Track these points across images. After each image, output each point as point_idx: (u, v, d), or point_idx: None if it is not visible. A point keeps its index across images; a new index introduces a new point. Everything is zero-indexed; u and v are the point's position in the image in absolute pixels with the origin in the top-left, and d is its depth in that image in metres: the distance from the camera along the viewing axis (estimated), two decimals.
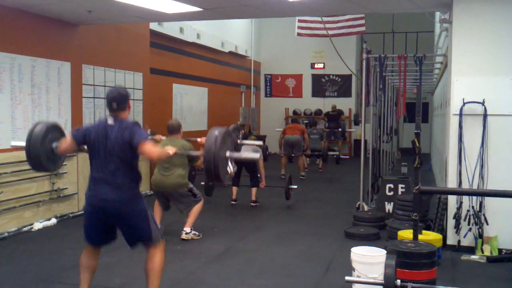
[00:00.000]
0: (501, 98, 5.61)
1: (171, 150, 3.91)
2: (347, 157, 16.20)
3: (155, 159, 4.00)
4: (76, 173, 7.55)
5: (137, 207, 3.82)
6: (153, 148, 3.77)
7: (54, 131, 4.20)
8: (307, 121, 14.68)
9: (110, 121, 3.82)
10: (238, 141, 6.06)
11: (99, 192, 3.78)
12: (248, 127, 8.58)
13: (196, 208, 6.25)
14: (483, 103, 5.62)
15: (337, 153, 14.50)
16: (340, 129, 15.83)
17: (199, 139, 6.03)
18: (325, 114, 16.41)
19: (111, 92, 3.89)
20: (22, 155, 6.53)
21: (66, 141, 4.01)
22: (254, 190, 8.35)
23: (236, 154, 4.06)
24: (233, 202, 8.36)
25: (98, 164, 3.82)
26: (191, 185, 6.28)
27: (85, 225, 3.93)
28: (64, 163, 7.23)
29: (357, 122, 15.03)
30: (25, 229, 6.60)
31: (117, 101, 3.84)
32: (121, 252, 5.34)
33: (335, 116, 16.02)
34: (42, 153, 4.07)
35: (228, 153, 3.86)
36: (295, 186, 8.65)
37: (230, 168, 3.95)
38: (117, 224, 3.89)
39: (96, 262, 3.99)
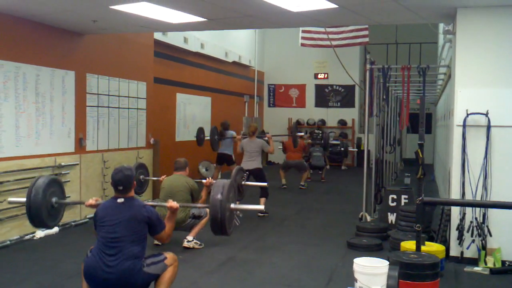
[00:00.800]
0: (504, 110, 5.61)
1: (174, 205, 4.13)
2: (344, 168, 16.30)
3: (166, 237, 4.15)
4: (79, 182, 7.56)
5: (138, 277, 3.85)
6: (166, 235, 4.06)
7: (55, 185, 4.28)
8: (310, 135, 14.59)
9: (120, 200, 3.96)
10: (243, 183, 6.14)
11: (100, 263, 3.80)
12: (253, 128, 8.58)
13: (204, 221, 6.28)
14: (486, 115, 5.61)
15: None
16: (343, 149, 15.67)
17: (204, 181, 5.94)
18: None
19: (117, 174, 3.97)
20: (25, 163, 6.61)
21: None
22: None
23: (241, 206, 4.17)
24: None
25: (104, 238, 3.87)
26: (192, 211, 6.31)
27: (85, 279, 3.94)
28: (67, 171, 7.27)
29: (359, 146, 15.04)
30: (27, 237, 6.60)
31: (123, 184, 3.96)
32: None
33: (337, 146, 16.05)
34: (43, 208, 4.13)
35: (233, 205, 3.95)
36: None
37: (237, 221, 4.04)
38: None
39: None
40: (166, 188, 6.33)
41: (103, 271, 3.77)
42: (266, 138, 9.11)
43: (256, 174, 8.34)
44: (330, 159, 15.40)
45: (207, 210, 6.23)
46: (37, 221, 4.25)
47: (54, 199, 4.29)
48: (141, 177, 6.97)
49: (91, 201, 4.19)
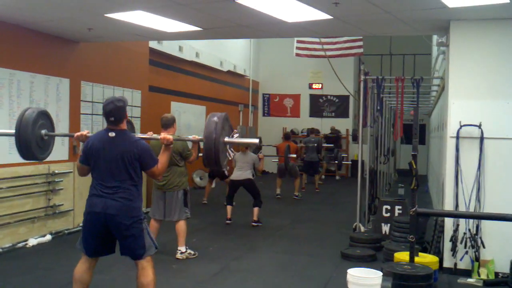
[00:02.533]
0: (497, 121, 5.63)
1: (168, 137, 4.01)
2: (338, 178, 16.34)
3: (159, 175, 4.06)
4: (72, 190, 7.52)
5: (135, 220, 3.84)
6: (159, 170, 3.95)
7: (44, 118, 4.22)
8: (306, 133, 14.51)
9: (111, 133, 3.87)
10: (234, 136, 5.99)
11: (99, 201, 3.81)
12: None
13: (182, 225, 6.17)
14: (479, 126, 5.64)
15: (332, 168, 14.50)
16: (336, 161, 15.65)
17: (191, 137, 5.88)
18: (324, 136, 16.42)
19: (108, 104, 3.87)
20: (18, 170, 6.57)
21: (79, 169, 4.05)
22: (256, 210, 8.29)
23: (234, 140, 4.05)
24: (228, 222, 8.32)
25: (99, 175, 3.86)
26: (188, 188, 6.24)
27: (83, 233, 3.95)
28: (61, 179, 7.24)
29: (355, 138, 15.03)
30: (20, 245, 6.56)
31: (115, 115, 3.87)
32: (115, 270, 5.31)
33: (333, 138, 16.11)
34: (32, 139, 4.07)
35: (226, 139, 3.88)
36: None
37: (230, 153, 3.98)
38: (113, 233, 3.88)
39: (89, 277, 3.97)
40: (157, 150, 6.15)
41: (103, 204, 3.77)
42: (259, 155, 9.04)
43: (247, 185, 8.34)
44: (326, 160, 15.38)
45: (186, 213, 6.22)
46: (27, 154, 4.20)
47: (43, 131, 4.22)
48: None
49: (83, 132, 4.13)
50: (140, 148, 3.87)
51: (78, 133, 4.13)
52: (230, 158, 4.05)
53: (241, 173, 8.30)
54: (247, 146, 8.49)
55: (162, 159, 4.01)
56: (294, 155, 11.32)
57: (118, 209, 3.78)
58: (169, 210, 6.18)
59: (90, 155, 3.91)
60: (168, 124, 6.21)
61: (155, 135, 4.34)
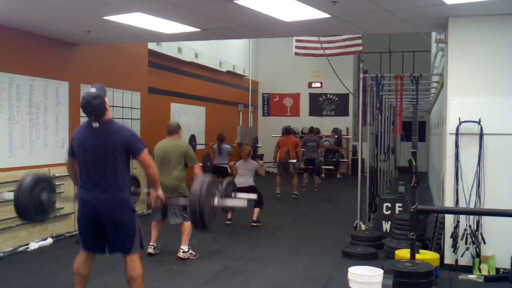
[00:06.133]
0: (497, 118, 5.64)
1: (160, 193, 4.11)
2: (338, 176, 16.36)
3: (151, 171, 3.99)
4: (72, 193, 7.51)
5: (125, 212, 3.83)
6: (151, 160, 3.93)
7: (43, 182, 4.24)
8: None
9: (95, 124, 3.82)
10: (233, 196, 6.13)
11: (88, 194, 3.81)
12: (248, 150, 8.55)
13: (187, 226, 6.20)
14: (479, 122, 5.64)
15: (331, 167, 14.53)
16: (334, 159, 15.67)
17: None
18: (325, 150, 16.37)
19: (86, 105, 3.80)
20: (19, 174, 6.56)
21: (67, 162, 4.06)
22: (256, 210, 8.31)
23: (224, 202, 4.06)
24: (228, 222, 8.33)
25: (85, 166, 3.85)
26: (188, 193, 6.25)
27: (79, 227, 3.97)
28: (61, 182, 7.24)
29: (355, 154, 15.05)
30: (21, 249, 6.56)
31: (94, 112, 3.81)
32: (118, 272, 5.32)
33: (333, 151, 16.12)
34: (30, 205, 4.10)
35: (216, 201, 3.90)
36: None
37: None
38: (104, 225, 3.87)
39: (88, 269, 3.99)
40: (159, 153, 6.21)
41: (93, 198, 3.77)
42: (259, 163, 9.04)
43: (250, 192, 8.35)
44: (324, 159, 15.41)
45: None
46: (26, 219, 4.27)
47: (43, 197, 4.20)
48: None
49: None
50: (126, 135, 3.83)
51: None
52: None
53: (243, 180, 8.32)
54: (248, 154, 8.53)
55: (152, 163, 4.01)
56: (294, 161, 11.34)
57: (107, 201, 3.77)
58: (171, 214, 6.24)
59: (75, 147, 3.91)
60: (174, 130, 6.33)
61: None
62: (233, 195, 5.94)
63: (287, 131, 12.14)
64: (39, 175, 4.29)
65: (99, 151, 3.80)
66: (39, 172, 4.53)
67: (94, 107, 3.80)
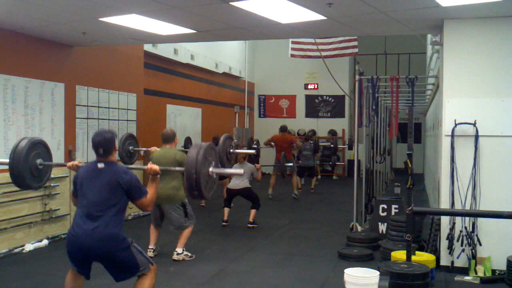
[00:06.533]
0: (492, 119, 5.66)
1: (154, 168, 3.97)
2: (335, 178, 16.38)
3: (150, 208, 4.04)
4: (68, 194, 7.50)
5: (120, 246, 3.78)
6: (148, 201, 3.91)
7: (39, 147, 4.22)
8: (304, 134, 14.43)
9: (100, 164, 3.88)
10: (231, 150, 6.01)
11: (82, 232, 3.73)
12: (244, 154, 8.56)
13: (187, 231, 6.24)
14: (474, 124, 5.66)
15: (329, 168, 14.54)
16: (334, 156, 15.73)
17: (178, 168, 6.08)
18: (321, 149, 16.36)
19: (96, 137, 3.90)
20: None
21: (73, 201, 4.06)
22: (253, 212, 8.30)
23: (219, 170, 4.01)
24: (224, 224, 8.33)
25: (84, 203, 3.82)
26: (186, 200, 6.25)
27: (69, 256, 3.88)
28: (57, 184, 7.23)
29: (351, 147, 15.04)
30: (16, 250, 6.54)
31: (104, 146, 3.88)
32: None
33: (331, 149, 16.11)
34: (25, 169, 4.08)
35: (211, 169, 3.85)
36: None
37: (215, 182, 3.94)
38: (101, 263, 3.85)
39: (79, 284, 3.95)
40: (155, 163, 6.21)
41: (88, 237, 3.68)
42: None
43: (246, 194, 8.38)
44: (321, 160, 15.47)
45: (190, 221, 6.25)
46: (21, 183, 4.24)
47: (38, 161, 4.24)
48: (130, 148, 6.71)
49: (75, 162, 4.17)
50: (128, 179, 3.83)
51: (70, 163, 4.18)
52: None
53: (239, 182, 8.33)
54: (244, 157, 8.54)
55: (151, 190, 3.98)
56: (291, 164, 11.33)
57: (101, 239, 3.70)
58: (170, 221, 6.27)
59: (78, 185, 3.91)
60: (169, 139, 6.31)
61: (141, 166, 4.33)
62: (231, 150, 5.97)
63: (283, 129, 12.07)
64: (34, 139, 4.26)
65: (100, 190, 3.79)
66: (35, 137, 4.49)
67: (105, 140, 3.88)
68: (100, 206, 3.75)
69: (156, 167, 3.99)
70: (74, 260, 3.85)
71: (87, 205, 3.78)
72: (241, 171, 4.37)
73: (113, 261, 3.79)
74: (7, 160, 4.20)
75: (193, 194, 3.77)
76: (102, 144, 3.86)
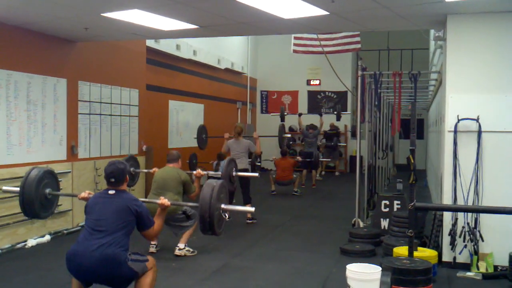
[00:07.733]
0: (495, 115, 5.64)
1: (167, 203, 4.11)
2: (337, 173, 16.39)
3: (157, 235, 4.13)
4: (71, 190, 7.52)
5: (121, 268, 3.78)
6: (154, 232, 4.04)
7: (49, 177, 4.28)
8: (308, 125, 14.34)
9: (111, 191, 3.97)
10: (234, 173, 6.26)
11: (84, 247, 3.75)
12: (239, 128, 8.44)
13: (191, 229, 6.26)
14: (477, 120, 5.64)
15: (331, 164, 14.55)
16: (337, 145, 15.87)
17: (194, 172, 6.32)
18: (323, 133, 16.38)
19: (109, 167, 4.00)
20: (17, 171, 6.57)
21: None
22: (249, 206, 8.28)
23: (230, 207, 4.12)
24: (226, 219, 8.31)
25: (91, 224, 3.85)
26: (184, 207, 6.27)
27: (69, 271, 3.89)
28: (60, 179, 7.22)
29: (354, 135, 15.10)
30: (19, 246, 6.56)
31: (116, 177, 3.98)
32: None
33: (332, 135, 16.15)
34: (36, 199, 4.13)
35: (223, 205, 3.95)
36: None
37: (225, 217, 4.01)
38: (100, 283, 3.87)
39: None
40: (158, 180, 6.30)
41: (88, 255, 3.69)
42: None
43: (242, 179, 8.30)
44: (324, 155, 15.50)
45: (191, 222, 6.29)
46: (30, 212, 4.30)
47: (47, 190, 4.31)
48: (132, 169, 6.81)
49: (84, 194, 4.24)
50: (138, 208, 3.91)
51: (80, 195, 4.26)
52: (227, 219, 4.06)
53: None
54: (239, 132, 8.34)
55: (158, 221, 4.07)
56: (291, 179, 11.55)
57: (102, 259, 3.70)
58: (173, 229, 6.33)
59: (88, 209, 3.95)
60: (174, 159, 6.47)
61: (153, 200, 4.44)
62: (234, 173, 6.14)
63: (283, 153, 11.96)
64: (45, 169, 4.33)
65: (110, 215, 3.83)
66: (45, 167, 4.55)
67: (118, 170, 3.98)
68: (107, 227, 3.79)
69: (167, 202, 4.12)
70: (76, 276, 3.88)
71: (93, 225, 3.82)
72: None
73: (112, 280, 3.82)
74: (17, 189, 4.26)
75: (206, 233, 3.92)
76: (115, 174, 3.97)
